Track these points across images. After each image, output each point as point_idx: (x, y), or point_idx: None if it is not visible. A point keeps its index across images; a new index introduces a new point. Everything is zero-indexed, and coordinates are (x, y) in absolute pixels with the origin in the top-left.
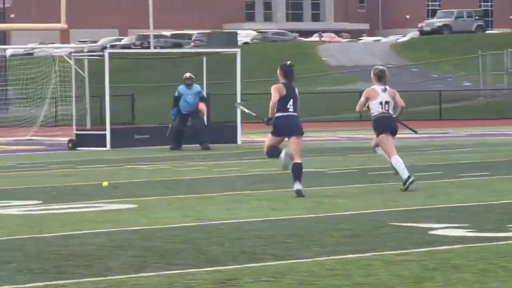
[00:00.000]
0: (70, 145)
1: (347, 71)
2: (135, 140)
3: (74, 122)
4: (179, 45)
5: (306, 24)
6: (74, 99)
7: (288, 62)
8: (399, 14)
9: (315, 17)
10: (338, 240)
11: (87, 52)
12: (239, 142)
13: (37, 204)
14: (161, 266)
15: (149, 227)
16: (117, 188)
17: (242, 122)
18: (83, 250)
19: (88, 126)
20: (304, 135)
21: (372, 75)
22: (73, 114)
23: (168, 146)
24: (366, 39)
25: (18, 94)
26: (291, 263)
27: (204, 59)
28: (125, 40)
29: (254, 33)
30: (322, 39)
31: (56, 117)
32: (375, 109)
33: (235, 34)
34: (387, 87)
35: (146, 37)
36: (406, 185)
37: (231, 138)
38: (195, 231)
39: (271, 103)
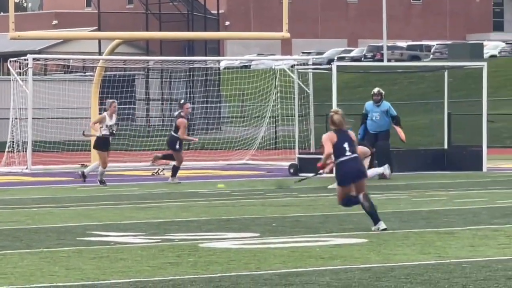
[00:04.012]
0: (291, 170)
1: None
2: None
3: (296, 145)
4: (416, 58)
5: None
6: (296, 118)
7: None
8: None
9: None
10: None
11: (312, 65)
12: (484, 169)
13: (254, 237)
14: None
15: (382, 264)
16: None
17: (488, 147)
18: None
19: (313, 149)
20: None
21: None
22: (296, 135)
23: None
24: None
25: (233, 112)
26: None
27: (445, 74)
28: (354, 52)
29: (503, 44)
30: None
31: (276, 138)
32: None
33: (481, 46)
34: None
35: (379, 48)
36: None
37: (475, 164)
38: (434, 270)
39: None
